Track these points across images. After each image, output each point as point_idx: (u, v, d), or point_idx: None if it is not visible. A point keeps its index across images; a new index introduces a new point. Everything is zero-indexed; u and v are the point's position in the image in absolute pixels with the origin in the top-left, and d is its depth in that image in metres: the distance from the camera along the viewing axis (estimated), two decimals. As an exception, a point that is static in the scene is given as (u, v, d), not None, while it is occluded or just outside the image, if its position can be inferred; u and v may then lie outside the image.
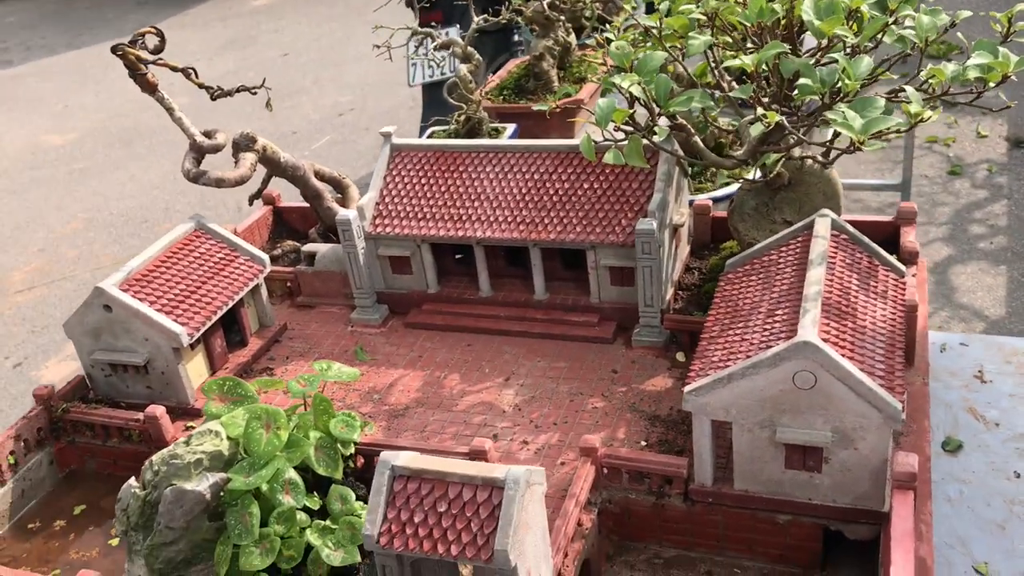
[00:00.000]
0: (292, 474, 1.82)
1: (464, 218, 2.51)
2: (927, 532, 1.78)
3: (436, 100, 3.43)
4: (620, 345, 2.45)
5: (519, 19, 3.53)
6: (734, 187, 2.93)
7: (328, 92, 8.62)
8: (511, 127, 3.52)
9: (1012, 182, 5.78)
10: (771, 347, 1.75)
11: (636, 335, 2.43)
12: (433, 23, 3.73)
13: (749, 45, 2.19)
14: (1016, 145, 6.16)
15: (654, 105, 2.03)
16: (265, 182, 2.87)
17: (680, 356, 2.36)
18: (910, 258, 2.32)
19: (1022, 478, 2.18)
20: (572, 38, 3.79)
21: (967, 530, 2.07)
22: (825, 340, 1.73)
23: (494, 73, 4.19)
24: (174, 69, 2.39)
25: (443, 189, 2.56)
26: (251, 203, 2.92)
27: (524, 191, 2.49)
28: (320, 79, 8.99)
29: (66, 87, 9.92)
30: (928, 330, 2.36)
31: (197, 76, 2.43)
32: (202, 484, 1.79)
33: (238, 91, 2.49)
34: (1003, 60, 1.88)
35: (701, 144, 2.22)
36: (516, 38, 5.67)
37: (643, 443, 2.10)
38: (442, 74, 4.03)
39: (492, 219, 2.48)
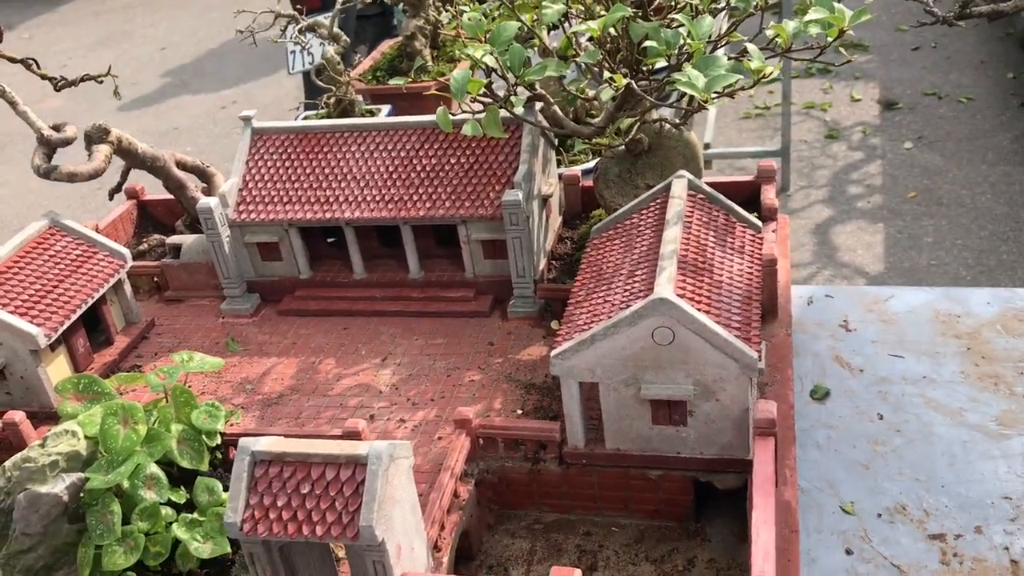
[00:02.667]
0: (154, 469, 1.77)
1: (331, 200, 2.47)
2: (791, 476, 1.83)
3: (316, 88, 3.38)
4: (497, 318, 2.45)
5: (386, 0, 3.49)
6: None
7: (209, 85, 8.40)
8: (386, 108, 3.49)
9: (885, 143, 6.00)
10: (631, 307, 1.77)
11: (511, 307, 2.44)
12: (302, 7, 3.65)
13: (602, 12, 2.21)
14: (887, 107, 6.40)
15: (510, 75, 2.03)
16: (124, 175, 2.77)
17: (555, 324, 2.38)
18: (770, 215, 2.38)
19: (884, 420, 2.27)
20: (444, 17, 3.77)
21: (834, 472, 2.15)
22: (681, 296, 1.76)
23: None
24: (12, 60, 2.28)
25: (308, 171, 2.51)
26: (111, 197, 2.82)
27: (391, 169, 2.47)
28: (200, 72, 8.75)
29: (-71, 93, 9.41)
30: (792, 284, 2.43)
31: (39, 67, 2.33)
32: (58, 486, 1.72)
33: (83, 80, 2.39)
34: (839, 15, 1.93)
35: (560, 113, 2.23)
36: (396, 21, 5.62)
37: (519, 412, 2.11)
38: (321, 60, 3.96)
39: (360, 199, 2.45)
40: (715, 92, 1.83)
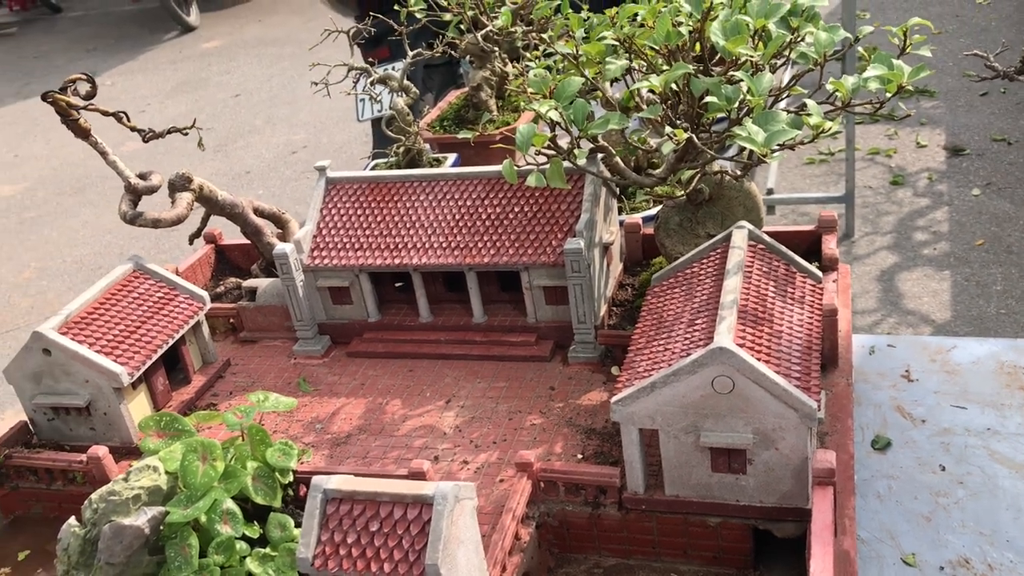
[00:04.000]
0: (230, 504, 1.85)
1: (400, 246, 2.56)
2: (850, 526, 1.84)
3: (384, 134, 3.51)
4: (557, 363, 2.51)
5: (453, 52, 3.61)
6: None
7: (281, 131, 8.67)
8: (452, 157, 3.59)
9: (952, 189, 5.94)
10: (691, 355, 1.81)
11: (572, 352, 2.49)
12: (374, 59, 3.79)
13: (664, 67, 2.28)
14: (954, 153, 6.33)
15: (573, 128, 2.10)
16: (204, 221, 2.90)
17: (615, 370, 2.42)
18: (831, 264, 2.40)
19: (947, 471, 2.26)
20: (509, 68, 3.87)
21: (895, 523, 2.14)
22: (741, 345, 1.79)
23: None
24: (105, 114, 2.43)
25: (379, 219, 2.61)
26: (191, 242, 2.95)
27: (457, 217, 2.55)
28: (272, 118, 9.04)
29: (15, 137, 9.88)
30: (854, 333, 2.44)
31: (129, 120, 2.47)
32: (140, 519, 1.81)
33: (169, 132, 2.53)
34: (897, 71, 1.97)
35: (622, 164, 2.29)
36: (462, 71, 5.77)
37: (579, 456, 2.15)
38: (389, 109, 4.09)
39: (427, 246, 2.54)
40: (774, 147, 1.88)
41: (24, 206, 8.00)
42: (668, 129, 1.99)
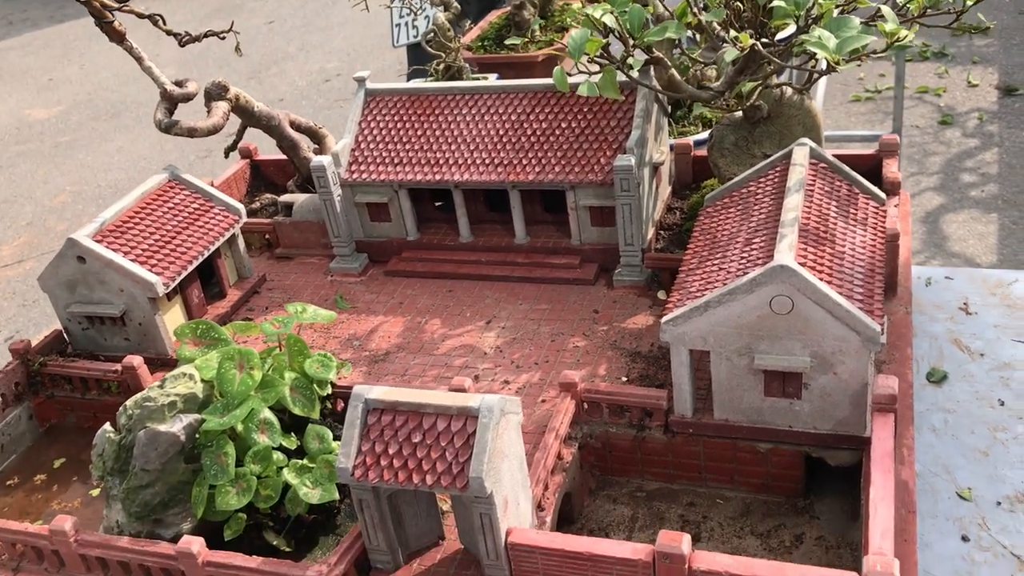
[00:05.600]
0: (267, 414, 1.81)
1: (441, 162, 2.47)
2: (908, 456, 1.77)
3: (420, 60, 3.39)
4: (602, 286, 2.43)
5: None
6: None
7: (315, 58, 8.55)
8: (492, 76, 3.48)
9: (1003, 130, 5.74)
10: (748, 274, 1.73)
11: (617, 275, 2.41)
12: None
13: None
14: (1007, 93, 6.11)
15: (628, 36, 1.99)
16: (240, 133, 2.83)
17: (661, 294, 2.34)
18: (892, 188, 2.30)
19: (1006, 406, 2.17)
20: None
21: (951, 457, 2.07)
22: (802, 264, 1.70)
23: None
24: (140, 16, 2.35)
25: (419, 133, 2.52)
26: (227, 155, 2.88)
27: (502, 133, 2.46)
28: (306, 45, 8.91)
29: (50, 61, 9.83)
30: (912, 264, 2.34)
31: (164, 23, 2.39)
32: (176, 425, 1.77)
33: (206, 36, 2.44)
34: (979, -23, 1.84)
35: (678, 76, 2.18)
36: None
37: (624, 379, 2.08)
38: (428, 29, 3.97)
39: (470, 162, 2.45)
40: (845, 55, 1.76)
41: (59, 130, 7.97)
42: (731, 34, 1.87)
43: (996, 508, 1.94)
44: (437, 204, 2.68)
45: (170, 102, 2.46)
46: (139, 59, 2.42)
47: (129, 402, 1.84)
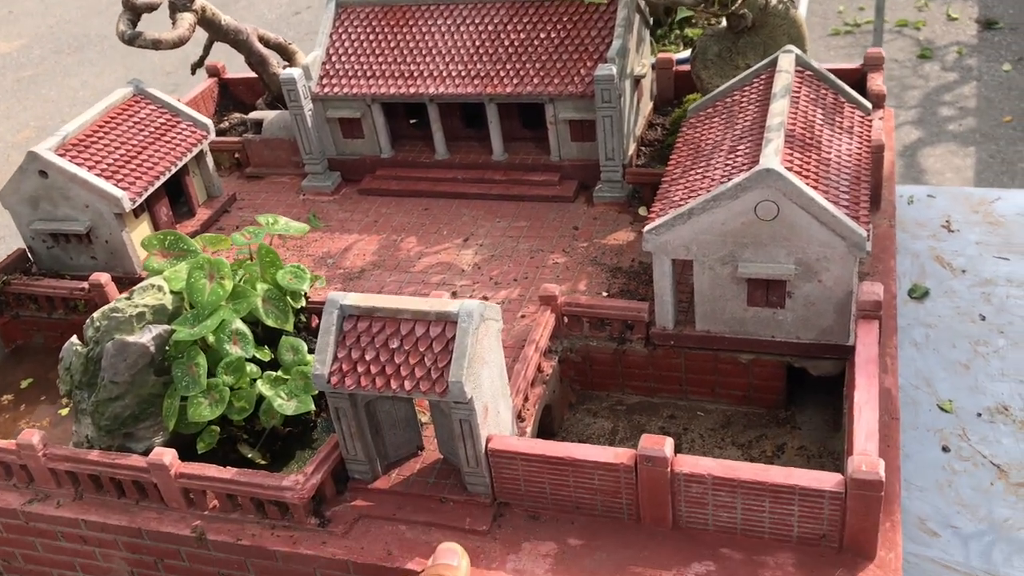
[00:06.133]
0: (239, 324, 1.75)
1: (416, 74, 2.40)
2: (892, 365, 1.75)
3: None
4: (581, 203, 2.38)
5: None
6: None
7: (284, -11, 8.31)
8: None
9: (981, 64, 5.70)
10: (733, 179, 1.69)
11: (597, 191, 2.36)
12: None
13: None
14: (987, 27, 6.06)
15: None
16: (206, 49, 2.73)
17: (642, 211, 2.30)
18: (877, 101, 2.25)
19: (987, 321, 2.16)
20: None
21: (932, 371, 2.06)
22: (788, 169, 1.66)
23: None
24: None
25: (392, 45, 2.44)
26: (193, 72, 2.78)
27: (478, 44, 2.38)
28: (275, -24, 8.66)
29: (9, -8, 9.51)
30: (895, 182, 2.31)
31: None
32: (145, 336, 1.72)
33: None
34: None
35: (661, -17, 2.12)
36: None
37: (604, 294, 2.05)
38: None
39: (445, 74, 2.38)
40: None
41: (20, 64, 7.73)
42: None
43: (976, 419, 1.94)
44: (412, 121, 2.61)
45: (133, 12, 2.36)
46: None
47: (96, 314, 1.79)
